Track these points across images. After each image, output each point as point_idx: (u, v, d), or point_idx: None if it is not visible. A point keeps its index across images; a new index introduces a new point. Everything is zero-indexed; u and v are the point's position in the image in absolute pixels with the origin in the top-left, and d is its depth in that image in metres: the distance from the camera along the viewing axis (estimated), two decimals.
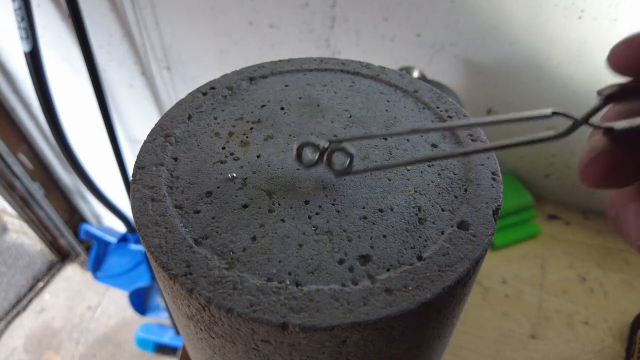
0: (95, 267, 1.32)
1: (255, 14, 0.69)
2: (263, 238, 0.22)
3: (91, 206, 1.48)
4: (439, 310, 0.21)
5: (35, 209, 1.37)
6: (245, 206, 0.24)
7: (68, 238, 1.51)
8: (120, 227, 1.32)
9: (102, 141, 0.98)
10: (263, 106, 0.30)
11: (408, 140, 0.28)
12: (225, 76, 0.33)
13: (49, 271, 1.58)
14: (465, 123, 0.22)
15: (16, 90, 1.13)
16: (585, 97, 0.56)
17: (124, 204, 1.19)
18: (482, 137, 0.28)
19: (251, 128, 0.28)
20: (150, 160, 0.26)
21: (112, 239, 1.32)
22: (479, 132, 0.28)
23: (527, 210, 0.63)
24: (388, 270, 0.21)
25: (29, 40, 0.77)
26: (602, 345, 0.50)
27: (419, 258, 0.21)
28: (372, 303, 0.19)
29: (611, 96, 0.16)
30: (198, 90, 0.31)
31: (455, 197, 0.24)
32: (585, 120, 0.17)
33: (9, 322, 1.42)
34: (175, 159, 0.26)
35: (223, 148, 0.27)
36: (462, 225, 0.23)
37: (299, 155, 0.23)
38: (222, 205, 0.24)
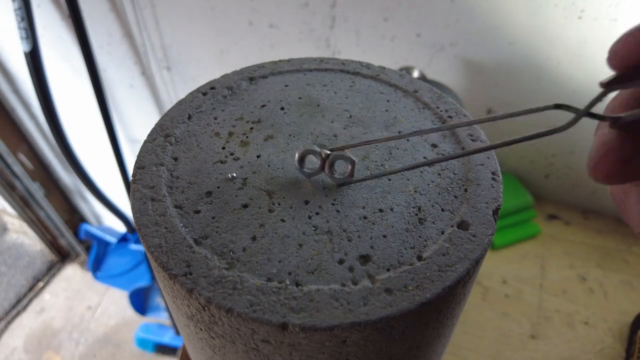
0: (95, 267, 1.32)
1: (255, 14, 0.69)
2: (263, 238, 0.22)
3: (91, 206, 1.48)
4: (439, 310, 0.21)
5: (35, 209, 1.37)
6: (245, 206, 0.24)
7: (68, 238, 1.51)
8: (120, 227, 1.32)
9: (102, 141, 0.98)
10: (263, 106, 0.30)
11: (408, 140, 0.28)
12: (225, 76, 0.33)
13: (49, 271, 1.58)
14: (467, 122, 0.22)
15: (16, 90, 1.13)
16: (585, 96, 0.56)
17: (124, 204, 1.19)
18: (482, 137, 0.28)
19: (251, 128, 0.28)
20: (150, 160, 0.26)
21: (112, 239, 1.32)
22: (479, 132, 0.28)
23: (527, 210, 0.63)
24: (388, 270, 0.21)
25: (29, 40, 0.77)
26: (602, 345, 0.50)
27: (419, 258, 0.21)
28: (372, 303, 0.19)
29: (609, 83, 0.16)
30: (198, 90, 0.31)
31: (455, 197, 0.24)
32: (588, 110, 0.17)
33: (9, 322, 1.42)
34: (175, 159, 0.26)
35: (223, 148, 0.27)
36: (462, 225, 0.23)
37: (301, 163, 0.24)
38: (222, 205, 0.24)
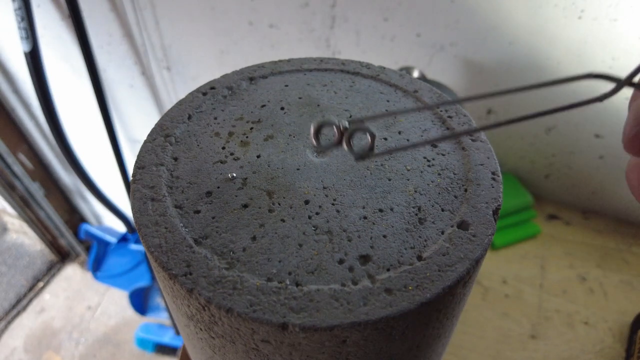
0: (95, 267, 1.32)
1: (255, 14, 0.69)
2: (263, 238, 0.22)
3: (91, 206, 1.48)
4: (439, 310, 0.21)
5: (35, 209, 1.37)
6: (245, 206, 0.24)
7: (68, 238, 1.51)
8: (120, 227, 1.32)
9: (102, 141, 0.98)
10: (263, 106, 0.30)
11: (408, 140, 0.28)
12: (225, 76, 0.33)
13: (49, 271, 1.58)
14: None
15: (16, 90, 1.13)
16: (586, 96, 0.56)
17: (124, 204, 1.19)
18: (482, 137, 0.28)
19: (251, 128, 0.28)
20: (150, 160, 0.26)
21: (112, 239, 1.32)
22: (479, 132, 0.29)
23: (527, 210, 0.63)
24: (388, 270, 0.21)
25: (29, 40, 0.77)
26: (602, 345, 0.50)
27: (419, 258, 0.21)
28: (372, 303, 0.19)
29: None
30: (198, 90, 0.31)
31: (455, 197, 0.24)
32: (629, 80, 0.16)
33: (9, 322, 1.42)
34: (175, 159, 0.26)
35: (223, 148, 0.27)
36: (462, 225, 0.23)
37: (317, 137, 0.22)
38: (222, 205, 0.24)
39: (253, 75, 0.33)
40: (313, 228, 0.23)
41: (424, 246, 0.22)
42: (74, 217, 1.52)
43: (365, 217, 0.23)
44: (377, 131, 0.28)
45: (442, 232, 0.23)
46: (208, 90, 0.31)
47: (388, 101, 0.31)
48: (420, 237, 0.22)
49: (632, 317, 0.51)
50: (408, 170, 0.26)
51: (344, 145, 0.21)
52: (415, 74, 0.59)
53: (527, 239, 0.62)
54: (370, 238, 0.22)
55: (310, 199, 0.24)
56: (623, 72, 0.18)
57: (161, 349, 1.30)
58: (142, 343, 1.30)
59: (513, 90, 0.18)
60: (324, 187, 0.25)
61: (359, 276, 0.21)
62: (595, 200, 0.66)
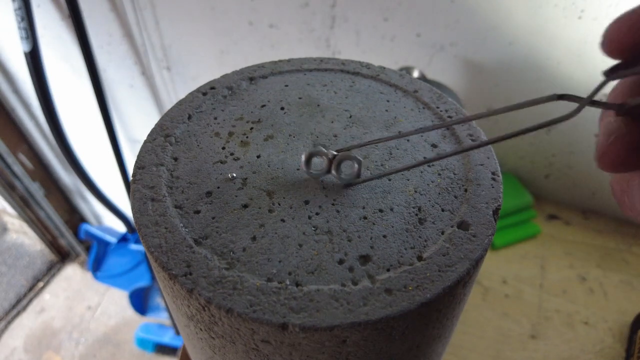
0: (95, 267, 1.32)
1: (255, 14, 0.69)
2: (263, 238, 0.22)
3: (91, 206, 1.48)
4: (439, 310, 0.21)
5: (35, 209, 1.37)
6: (245, 206, 0.24)
7: (68, 238, 1.51)
8: (120, 227, 1.32)
9: (102, 141, 0.98)
10: (263, 106, 0.30)
11: (408, 140, 0.28)
12: (225, 76, 0.33)
13: (49, 271, 1.58)
14: (467, 118, 0.22)
15: (16, 90, 1.13)
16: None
17: (124, 204, 1.19)
18: (482, 136, 0.28)
19: (251, 128, 0.28)
20: (150, 160, 0.26)
21: (112, 239, 1.32)
22: (479, 131, 0.28)
23: (527, 210, 0.63)
24: (388, 270, 0.21)
25: (29, 40, 0.77)
26: (602, 345, 0.50)
27: (419, 258, 0.21)
28: (372, 303, 0.19)
29: (611, 70, 0.16)
30: (198, 90, 0.31)
31: (455, 197, 0.24)
32: (591, 99, 0.17)
33: (9, 322, 1.42)
34: (175, 159, 0.26)
35: (223, 148, 0.27)
36: (462, 225, 0.23)
37: (307, 165, 0.24)
38: (222, 205, 0.24)
39: (253, 75, 0.33)
40: (313, 228, 0.23)
41: (424, 246, 0.22)
42: (74, 217, 1.52)
43: (365, 217, 0.23)
44: (377, 131, 0.28)
45: (442, 232, 0.23)
46: (208, 90, 0.31)
47: (388, 101, 0.31)
48: (420, 237, 0.22)
49: (632, 317, 0.51)
50: (408, 170, 0.26)
51: (333, 172, 0.24)
52: (415, 74, 0.59)
53: (527, 239, 0.62)
54: (370, 238, 0.22)
55: (310, 199, 0.24)
56: None
57: (161, 349, 1.30)
58: (142, 343, 1.30)
59: (485, 114, 0.20)
60: (324, 187, 0.25)
61: (359, 276, 0.21)
62: (595, 200, 0.66)
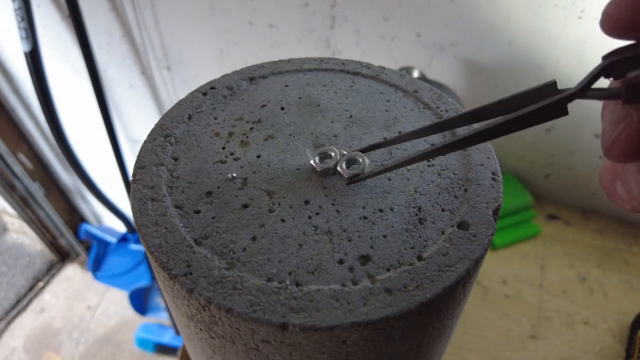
0: (95, 267, 1.32)
1: (255, 14, 0.69)
2: (263, 238, 0.22)
3: (91, 206, 1.48)
4: (439, 310, 0.21)
5: (35, 209, 1.37)
6: (245, 206, 0.24)
7: (68, 238, 1.51)
8: (120, 227, 1.32)
9: (102, 141, 0.98)
10: (263, 106, 0.30)
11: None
12: (225, 76, 0.33)
13: (49, 271, 1.58)
14: (461, 113, 0.22)
15: (16, 90, 1.13)
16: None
17: (124, 204, 1.19)
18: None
19: (251, 128, 0.28)
20: (150, 160, 0.26)
21: (112, 239, 1.32)
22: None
23: (527, 210, 0.63)
24: (388, 270, 0.21)
25: (29, 40, 0.77)
26: (602, 345, 0.50)
27: (419, 258, 0.21)
28: (372, 303, 0.19)
29: (610, 55, 0.16)
30: (198, 90, 0.31)
31: (455, 197, 0.24)
32: (586, 88, 0.16)
33: (9, 322, 1.42)
34: (175, 159, 0.26)
35: (223, 148, 0.27)
36: (462, 225, 0.23)
37: (317, 161, 0.25)
38: (222, 205, 0.24)
39: (253, 75, 0.33)
40: (313, 228, 0.23)
41: (424, 246, 0.22)
42: (74, 217, 1.52)
43: (365, 217, 0.23)
44: (377, 131, 0.28)
45: (442, 232, 0.23)
46: (208, 90, 0.31)
47: (388, 101, 0.31)
48: (420, 237, 0.22)
49: (632, 317, 0.51)
50: (408, 170, 0.26)
51: (339, 169, 0.24)
52: (415, 74, 0.59)
53: (527, 239, 0.62)
54: (370, 238, 0.22)
55: (310, 199, 0.24)
56: None
57: (161, 349, 1.30)
58: (142, 343, 1.30)
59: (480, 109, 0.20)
60: (324, 187, 0.25)
61: (359, 276, 0.21)
62: (595, 200, 0.66)
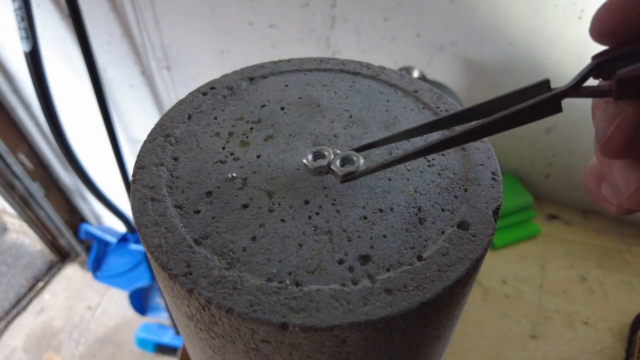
0: (95, 267, 1.32)
1: (255, 14, 0.69)
2: (263, 238, 0.22)
3: (91, 206, 1.48)
4: (439, 310, 0.21)
5: (35, 209, 1.37)
6: (245, 206, 0.24)
7: (68, 238, 1.51)
8: (120, 227, 1.32)
9: (102, 141, 0.98)
10: (263, 106, 0.30)
11: (408, 140, 0.28)
12: (225, 76, 0.33)
13: (49, 271, 1.58)
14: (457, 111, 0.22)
15: (16, 90, 1.13)
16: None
17: (124, 204, 1.19)
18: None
19: (251, 128, 0.28)
20: (150, 160, 0.26)
21: (112, 239, 1.32)
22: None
23: (527, 210, 0.63)
24: (388, 270, 0.21)
25: (29, 40, 0.77)
26: (602, 345, 0.50)
27: (419, 258, 0.21)
28: (372, 303, 0.19)
29: (599, 55, 0.16)
30: (198, 90, 0.31)
31: (455, 197, 0.24)
32: (578, 85, 0.17)
33: (9, 322, 1.42)
34: (175, 159, 0.26)
35: (223, 148, 0.27)
36: (462, 225, 0.23)
37: (310, 160, 0.24)
38: (222, 205, 0.24)
39: (253, 75, 0.33)
40: (313, 228, 0.23)
41: (424, 246, 0.22)
42: (74, 217, 1.52)
43: (365, 217, 0.23)
44: (377, 131, 0.28)
45: (442, 232, 0.23)
46: (208, 90, 0.31)
47: (388, 101, 0.31)
48: (420, 237, 0.22)
49: (632, 317, 0.51)
50: (408, 170, 0.26)
51: (333, 167, 0.24)
52: (415, 74, 0.59)
53: (527, 239, 0.62)
54: (370, 238, 0.22)
55: (310, 199, 0.24)
56: None
57: (161, 349, 1.30)
58: (142, 343, 1.30)
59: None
60: (324, 187, 0.25)
61: (359, 276, 0.21)
62: None
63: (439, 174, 0.26)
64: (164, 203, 0.23)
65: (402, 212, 0.24)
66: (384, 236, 0.22)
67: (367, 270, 0.21)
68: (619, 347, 0.50)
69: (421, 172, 0.26)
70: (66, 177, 1.38)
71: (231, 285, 0.20)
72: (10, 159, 1.20)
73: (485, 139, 0.28)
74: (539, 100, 0.18)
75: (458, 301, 0.23)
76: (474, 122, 0.20)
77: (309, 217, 0.23)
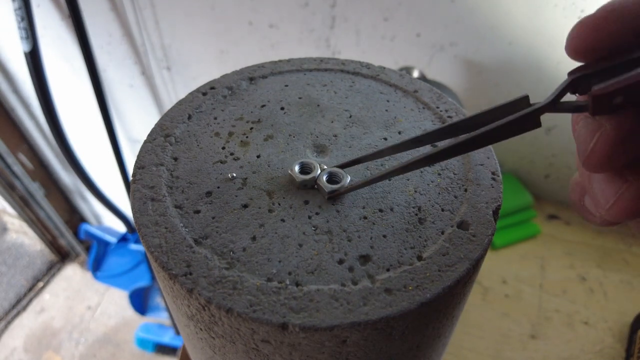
0: (95, 267, 1.32)
1: (255, 14, 0.69)
2: (263, 238, 0.22)
3: (91, 206, 1.48)
4: (439, 310, 0.21)
5: (35, 209, 1.37)
6: (245, 206, 0.24)
7: (68, 238, 1.51)
8: (120, 227, 1.32)
9: (102, 141, 0.98)
10: (263, 106, 0.30)
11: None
12: (225, 76, 0.33)
13: (49, 271, 1.58)
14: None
15: (16, 90, 1.13)
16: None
17: (124, 204, 1.19)
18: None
19: (251, 128, 0.28)
20: (150, 160, 0.26)
21: (112, 239, 1.32)
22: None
23: (527, 210, 0.63)
24: (388, 270, 0.21)
25: (29, 40, 0.77)
26: (602, 345, 0.50)
27: (419, 258, 0.21)
28: (372, 303, 0.19)
29: (575, 71, 0.16)
30: (198, 90, 0.31)
31: (455, 197, 0.24)
32: (555, 101, 0.17)
33: (9, 322, 1.42)
34: (175, 159, 0.26)
35: (223, 148, 0.27)
36: (462, 225, 0.23)
37: (299, 174, 0.24)
38: (222, 205, 0.24)
39: (253, 75, 0.33)
40: (313, 228, 0.23)
41: (424, 246, 0.22)
42: (74, 217, 1.52)
43: (365, 217, 0.23)
44: (377, 131, 0.28)
45: (442, 232, 0.23)
46: (208, 90, 0.31)
47: (388, 101, 0.31)
48: (420, 237, 0.22)
49: (632, 317, 0.51)
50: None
51: (320, 183, 0.24)
52: (415, 74, 0.59)
53: (527, 239, 0.62)
54: (370, 238, 0.22)
55: (310, 199, 0.24)
56: None
57: (161, 349, 1.30)
58: (142, 343, 1.30)
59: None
60: None
61: (359, 276, 0.21)
62: None
63: (439, 174, 0.26)
64: (164, 203, 0.23)
65: (402, 212, 0.24)
66: (384, 236, 0.22)
67: (367, 270, 0.21)
68: (619, 347, 0.50)
69: (421, 172, 0.26)
70: (66, 177, 1.38)
71: (231, 285, 0.20)
72: (10, 159, 1.20)
73: None
74: (518, 116, 0.18)
75: (458, 301, 0.23)
76: (454, 139, 0.20)
77: (309, 217, 0.23)
